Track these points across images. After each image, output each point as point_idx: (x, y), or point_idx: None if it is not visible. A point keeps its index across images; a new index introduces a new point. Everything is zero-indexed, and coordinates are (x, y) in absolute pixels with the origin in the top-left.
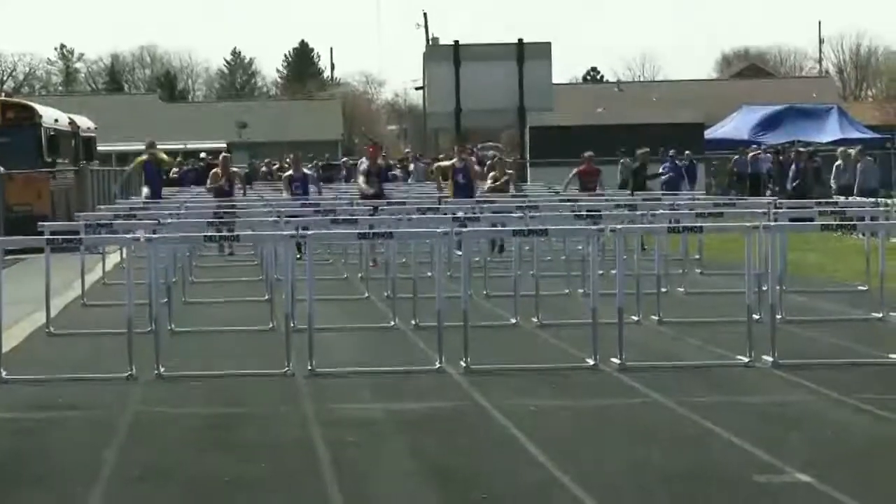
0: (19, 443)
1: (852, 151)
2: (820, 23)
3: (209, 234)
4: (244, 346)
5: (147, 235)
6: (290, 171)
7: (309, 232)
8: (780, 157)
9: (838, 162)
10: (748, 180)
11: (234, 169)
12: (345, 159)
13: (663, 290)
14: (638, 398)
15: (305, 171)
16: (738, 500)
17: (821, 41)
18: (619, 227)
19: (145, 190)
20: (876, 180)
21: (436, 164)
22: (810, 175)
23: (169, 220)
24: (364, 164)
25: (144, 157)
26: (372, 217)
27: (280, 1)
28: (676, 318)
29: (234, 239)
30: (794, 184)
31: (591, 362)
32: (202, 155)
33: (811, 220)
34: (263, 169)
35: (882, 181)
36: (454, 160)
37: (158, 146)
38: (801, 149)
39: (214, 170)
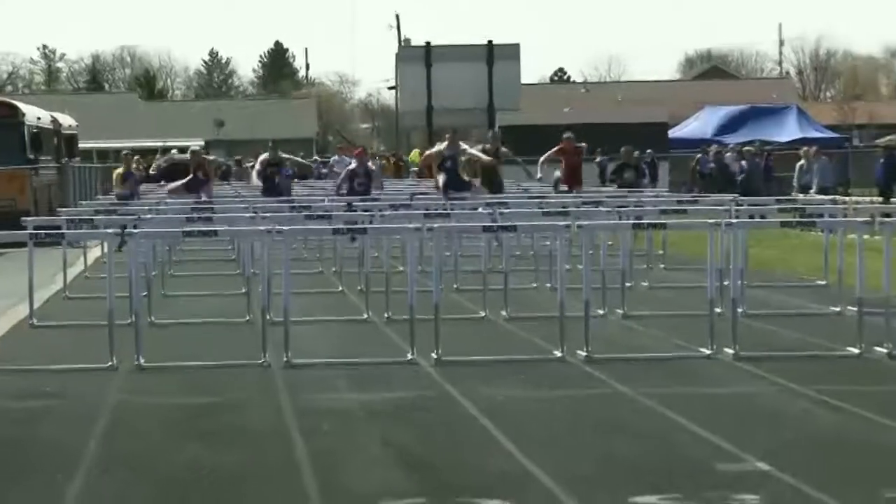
0: (3, 431)
1: (812, 150)
2: (780, 25)
3: (188, 229)
4: (222, 337)
5: (128, 230)
6: (267, 156)
7: (285, 228)
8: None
9: (801, 161)
10: (717, 178)
11: (209, 157)
12: (315, 158)
13: (628, 284)
14: (603, 389)
15: (282, 155)
16: (701, 488)
17: (781, 43)
18: (585, 223)
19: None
20: (831, 178)
21: (427, 153)
22: (759, 172)
23: (149, 216)
24: (353, 164)
25: (120, 170)
26: (346, 214)
27: (256, 2)
28: (641, 311)
29: (212, 234)
30: (741, 177)
31: (558, 354)
32: (173, 151)
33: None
34: (235, 168)
35: (840, 179)
36: (443, 146)
37: (135, 144)
38: (748, 147)
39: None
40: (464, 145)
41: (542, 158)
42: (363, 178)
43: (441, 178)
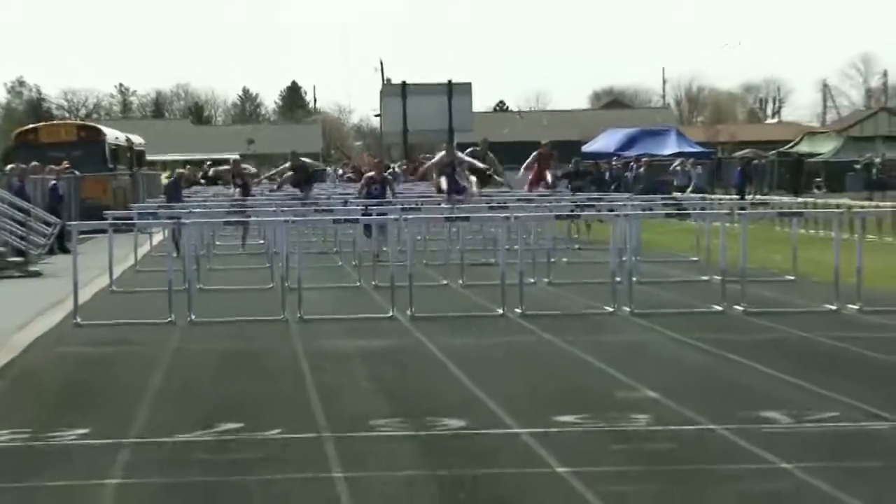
0: (90, 370)
1: (688, 161)
2: (663, 69)
3: (227, 220)
4: (252, 300)
5: (184, 220)
6: (289, 164)
7: (297, 218)
8: (640, 165)
9: (675, 166)
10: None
11: (245, 167)
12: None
13: (552, 260)
14: (533, 337)
15: (304, 160)
16: (606, 410)
17: (664, 82)
18: (519, 215)
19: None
20: (704, 182)
21: (427, 164)
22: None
23: (198, 210)
24: (371, 172)
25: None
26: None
27: (278, 53)
28: (561, 280)
29: (245, 223)
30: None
31: (500, 311)
32: (207, 163)
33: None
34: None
35: (708, 183)
36: (442, 154)
37: (187, 157)
38: (644, 158)
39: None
40: (459, 153)
41: (524, 164)
42: (379, 184)
43: (443, 182)
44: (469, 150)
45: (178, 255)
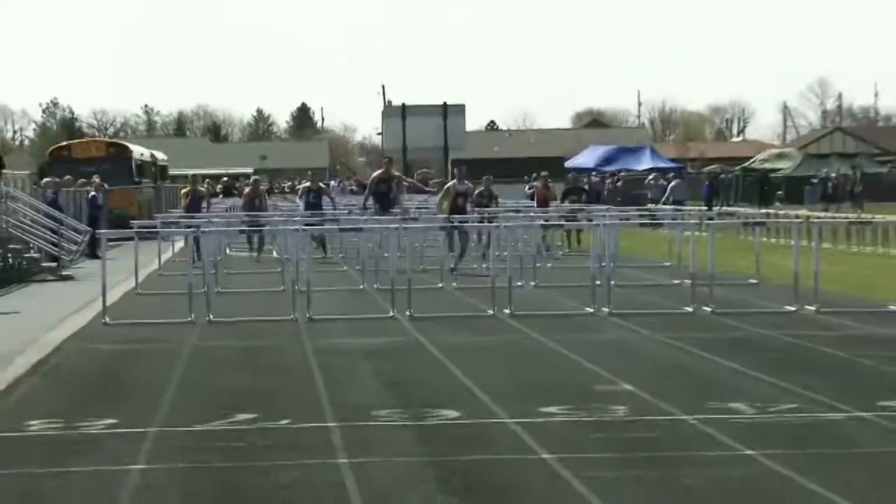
0: (117, 365)
1: (664, 175)
2: (639, 92)
3: (243, 229)
4: (265, 301)
5: (203, 230)
6: (308, 184)
7: (306, 228)
8: (616, 179)
9: (650, 180)
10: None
11: (263, 187)
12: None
13: (538, 265)
14: (521, 335)
15: (321, 185)
16: (587, 402)
17: (639, 104)
18: (508, 224)
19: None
20: (684, 194)
21: (444, 189)
22: (622, 190)
23: (216, 219)
24: (378, 171)
25: (187, 188)
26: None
27: (289, 76)
28: (547, 283)
29: (260, 237)
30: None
31: (490, 312)
32: (224, 179)
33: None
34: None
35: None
36: (454, 182)
37: (206, 172)
38: (622, 173)
39: (247, 190)
40: (467, 184)
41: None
42: (387, 183)
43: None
44: (477, 191)
45: (198, 260)
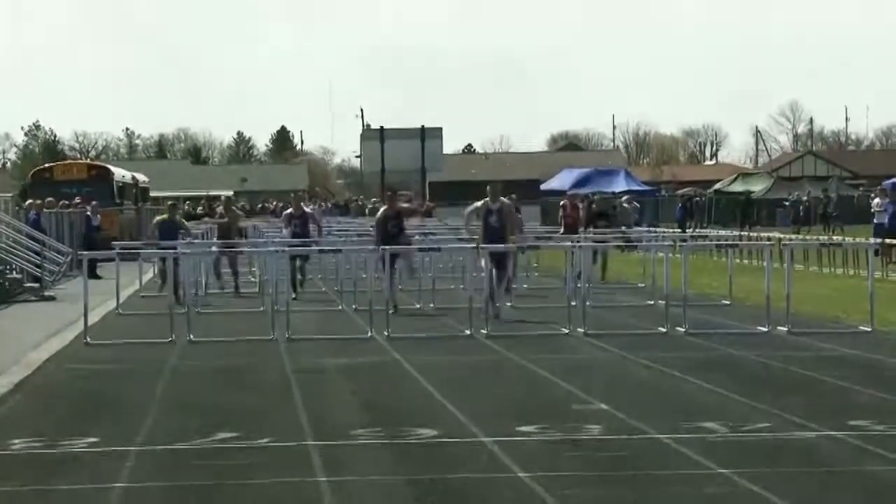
0: (99, 384)
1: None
2: (613, 115)
3: (222, 251)
4: (244, 322)
5: (183, 251)
6: (291, 210)
7: (283, 249)
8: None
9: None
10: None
11: (237, 212)
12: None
13: (514, 286)
14: (497, 355)
15: (305, 209)
16: (563, 420)
17: (614, 127)
18: (484, 246)
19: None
20: (630, 219)
21: (472, 207)
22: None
23: (195, 242)
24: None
25: (164, 216)
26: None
27: (269, 100)
28: (522, 304)
29: (240, 253)
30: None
31: (467, 332)
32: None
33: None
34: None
35: (652, 219)
36: (486, 200)
37: (186, 194)
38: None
39: (219, 208)
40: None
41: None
42: (396, 220)
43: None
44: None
45: (165, 285)
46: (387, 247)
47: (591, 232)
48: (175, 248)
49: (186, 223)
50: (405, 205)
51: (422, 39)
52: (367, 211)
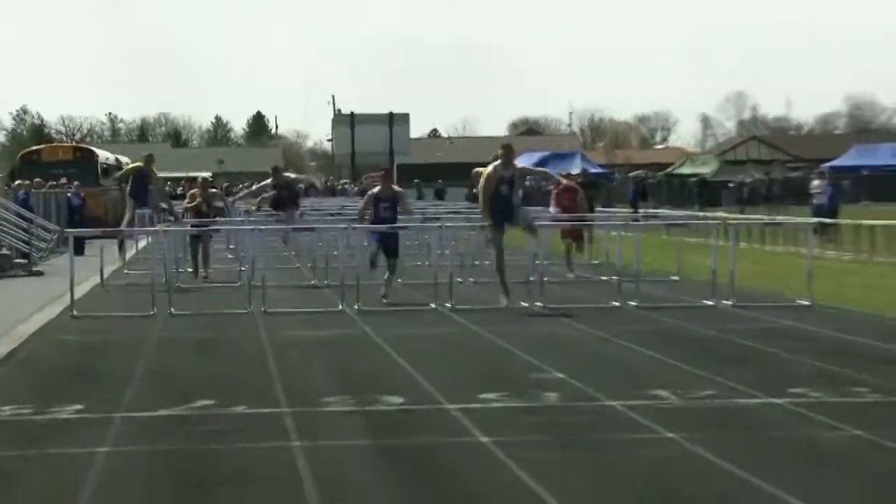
0: (85, 355)
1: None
2: (570, 102)
3: (200, 230)
4: (223, 296)
5: (165, 229)
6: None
7: (265, 227)
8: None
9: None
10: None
11: (213, 190)
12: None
13: (476, 262)
14: (460, 328)
15: (289, 176)
16: (522, 388)
17: (570, 113)
18: (448, 225)
19: (128, 214)
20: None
21: (477, 171)
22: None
23: (175, 221)
24: (376, 190)
25: (140, 164)
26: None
27: (246, 86)
28: (484, 280)
29: (217, 231)
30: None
31: (433, 306)
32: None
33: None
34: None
35: (605, 202)
36: (497, 165)
37: (167, 175)
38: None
39: (192, 191)
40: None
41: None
42: (387, 202)
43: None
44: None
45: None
46: (374, 229)
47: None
48: (146, 204)
49: (157, 174)
50: (399, 188)
51: (391, 30)
52: (335, 192)
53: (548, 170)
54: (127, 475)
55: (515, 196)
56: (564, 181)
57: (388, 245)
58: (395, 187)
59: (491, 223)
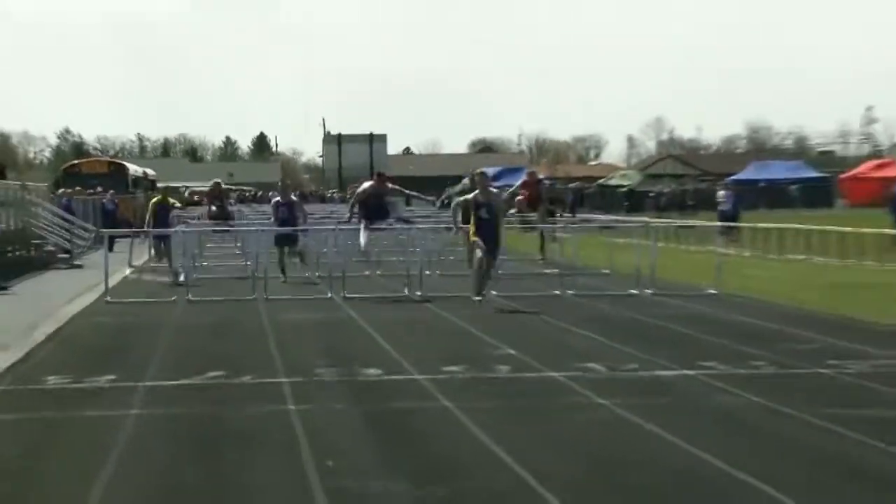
0: (116, 334)
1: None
2: (520, 125)
3: (215, 229)
4: (231, 286)
5: (184, 229)
6: (279, 198)
7: (263, 229)
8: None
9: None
10: None
11: (224, 187)
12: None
13: (442, 257)
14: (429, 312)
15: (293, 197)
16: (479, 362)
17: (520, 135)
18: (418, 227)
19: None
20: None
21: (460, 199)
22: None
23: (193, 222)
24: (366, 185)
25: (158, 197)
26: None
27: (251, 111)
28: (449, 272)
29: (227, 230)
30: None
31: (405, 293)
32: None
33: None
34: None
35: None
36: (476, 193)
37: (187, 186)
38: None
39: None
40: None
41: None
42: (379, 198)
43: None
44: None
45: (160, 260)
46: (370, 224)
47: (546, 210)
48: (168, 227)
49: (177, 203)
50: (393, 185)
51: (373, 62)
52: (324, 199)
53: (513, 187)
54: (151, 433)
55: (494, 217)
56: (522, 192)
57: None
58: (390, 185)
59: (474, 241)
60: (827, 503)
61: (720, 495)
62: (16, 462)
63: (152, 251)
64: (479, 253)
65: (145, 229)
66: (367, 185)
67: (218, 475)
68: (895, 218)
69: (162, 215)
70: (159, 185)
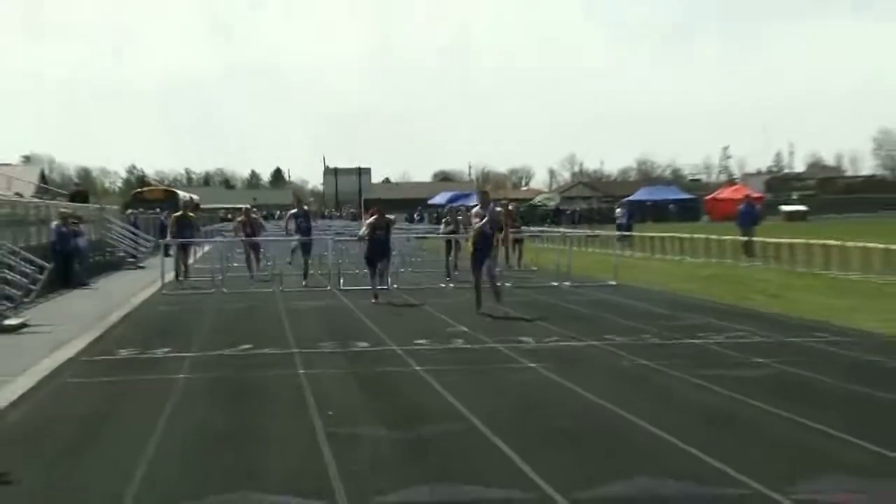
0: (171, 317)
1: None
2: (469, 161)
3: (244, 238)
4: (256, 283)
5: (220, 240)
6: (295, 210)
7: (281, 239)
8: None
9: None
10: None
11: (254, 216)
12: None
13: (419, 259)
14: (406, 301)
15: (306, 208)
16: (442, 338)
17: (469, 167)
18: (398, 236)
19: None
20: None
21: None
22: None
23: (227, 237)
24: (371, 219)
25: (179, 213)
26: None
27: (269, 150)
28: (421, 270)
29: (257, 251)
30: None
31: (387, 287)
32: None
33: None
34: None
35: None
36: (477, 208)
37: (219, 206)
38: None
39: (240, 218)
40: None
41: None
42: (383, 230)
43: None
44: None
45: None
46: (373, 252)
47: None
48: (187, 237)
49: (196, 220)
50: (389, 216)
51: (364, 107)
52: (324, 216)
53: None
54: (197, 391)
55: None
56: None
57: (381, 251)
58: (388, 216)
59: (473, 251)
60: (694, 437)
61: (616, 430)
62: (100, 409)
63: (171, 252)
64: (476, 275)
65: (168, 240)
66: (374, 217)
67: (245, 420)
68: (742, 229)
69: (183, 226)
70: (201, 206)
